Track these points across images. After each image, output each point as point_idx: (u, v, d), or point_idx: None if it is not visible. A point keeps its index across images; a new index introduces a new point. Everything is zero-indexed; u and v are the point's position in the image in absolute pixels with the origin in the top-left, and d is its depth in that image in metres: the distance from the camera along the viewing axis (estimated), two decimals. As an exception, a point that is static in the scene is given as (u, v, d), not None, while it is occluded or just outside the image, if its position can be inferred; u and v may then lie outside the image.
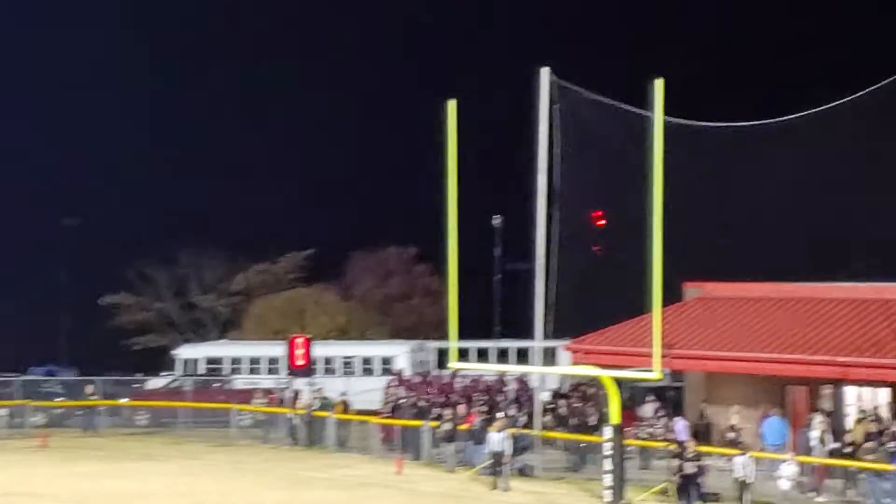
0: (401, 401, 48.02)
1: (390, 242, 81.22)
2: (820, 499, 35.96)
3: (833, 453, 38.22)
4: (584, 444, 41.73)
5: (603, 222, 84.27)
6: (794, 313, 43.81)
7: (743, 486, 33.32)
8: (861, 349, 39.86)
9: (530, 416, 44.13)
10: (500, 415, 42.19)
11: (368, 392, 52.25)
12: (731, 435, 40.71)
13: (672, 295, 46.54)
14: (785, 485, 33.79)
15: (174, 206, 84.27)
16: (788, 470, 34.02)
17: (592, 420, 43.38)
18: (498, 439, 38.26)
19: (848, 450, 37.46)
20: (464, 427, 41.95)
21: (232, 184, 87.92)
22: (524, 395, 49.41)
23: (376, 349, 63.41)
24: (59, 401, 56.98)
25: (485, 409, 44.65)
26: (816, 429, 38.79)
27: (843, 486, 36.60)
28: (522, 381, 52.29)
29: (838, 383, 41.33)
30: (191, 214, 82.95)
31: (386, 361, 61.15)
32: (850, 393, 41.97)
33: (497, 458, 38.00)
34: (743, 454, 33.61)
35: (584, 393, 49.03)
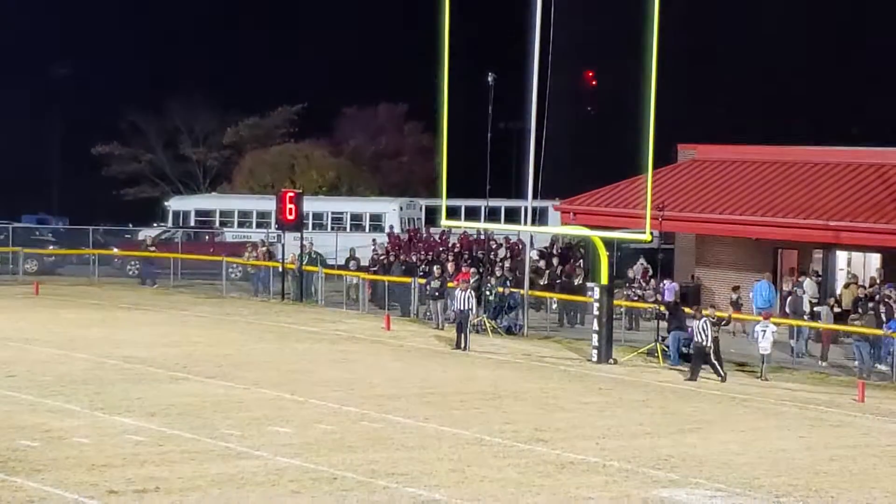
0: (384, 257, 48.04)
1: (382, 98, 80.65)
2: (823, 363, 36.16)
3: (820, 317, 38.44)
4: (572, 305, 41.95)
5: (595, 83, 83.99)
6: (788, 177, 43.66)
7: (700, 350, 33.08)
8: (854, 214, 39.81)
9: (518, 275, 44.14)
10: (466, 272, 42.08)
11: (358, 248, 52.11)
12: (734, 296, 40.86)
13: (665, 157, 46.40)
14: (765, 348, 33.82)
15: (166, 57, 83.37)
16: (767, 332, 34.01)
17: (578, 280, 43.44)
18: (462, 297, 37.87)
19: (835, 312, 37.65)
20: (452, 284, 41.95)
21: (224, 35, 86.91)
22: (513, 255, 49.42)
23: (366, 206, 63.32)
24: (52, 248, 57.12)
25: (473, 267, 44.63)
26: (808, 292, 38.91)
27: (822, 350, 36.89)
28: (511, 240, 52.27)
29: (829, 247, 41.36)
30: (183, 66, 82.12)
31: (375, 218, 61.05)
32: (841, 257, 42.05)
33: (462, 316, 37.65)
34: (699, 318, 33.34)
35: (572, 253, 49.09)
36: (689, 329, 35.97)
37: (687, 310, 35.94)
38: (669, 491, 20.74)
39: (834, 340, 38.37)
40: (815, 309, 38.59)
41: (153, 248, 53.95)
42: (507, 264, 45.30)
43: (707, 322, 33.05)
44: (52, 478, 20.20)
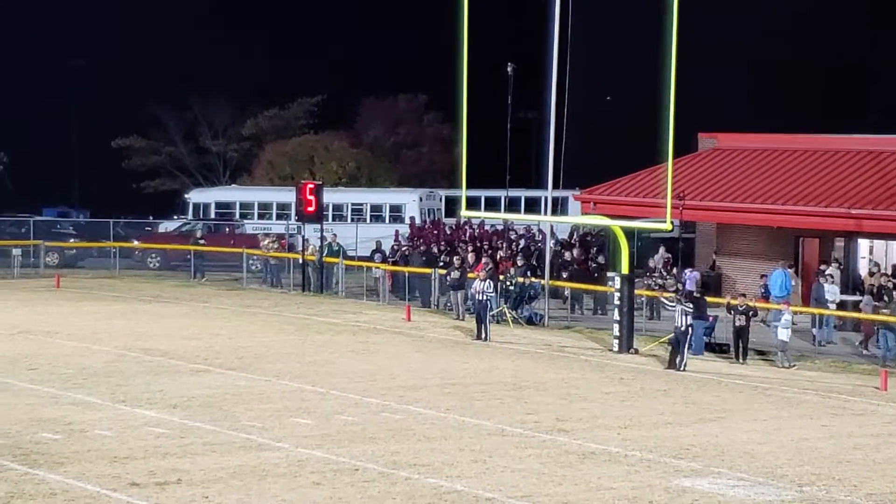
0: (405, 248, 48.01)
1: (401, 89, 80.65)
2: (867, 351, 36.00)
3: (843, 305, 38.40)
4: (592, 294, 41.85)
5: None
6: (808, 165, 43.55)
7: (682, 333, 32.92)
8: (876, 202, 39.67)
9: (538, 265, 44.10)
10: (484, 261, 42.00)
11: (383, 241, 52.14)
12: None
13: (686, 145, 46.32)
14: (783, 334, 33.74)
15: (186, 49, 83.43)
16: (785, 320, 33.91)
17: (597, 271, 43.37)
18: (481, 287, 37.73)
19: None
20: (473, 275, 41.88)
21: (243, 27, 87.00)
22: (532, 245, 49.36)
23: (386, 197, 63.30)
24: (73, 241, 57.33)
25: (491, 258, 44.56)
26: (832, 281, 38.75)
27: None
28: (531, 230, 52.19)
29: (851, 235, 41.21)
30: (202, 58, 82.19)
31: (395, 209, 61.04)
32: (863, 245, 41.90)
33: (480, 306, 37.54)
34: (677, 303, 33.18)
35: (591, 243, 49.02)
36: (711, 318, 35.97)
37: (711, 299, 35.89)
38: (691, 480, 20.69)
39: (856, 328, 38.42)
40: (848, 298, 38.64)
41: (203, 242, 53.73)
42: (500, 253, 44.99)
43: (684, 307, 32.91)
44: (75, 470, 20.24)
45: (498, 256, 44.53)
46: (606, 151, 70.11)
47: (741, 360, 34.04)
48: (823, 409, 27.67)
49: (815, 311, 37.43)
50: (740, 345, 34.50)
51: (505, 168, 43.45)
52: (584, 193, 49.01)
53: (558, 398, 27.89)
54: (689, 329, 32.80)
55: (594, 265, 44.28)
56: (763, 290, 40.19)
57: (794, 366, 33.49)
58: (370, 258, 49.00)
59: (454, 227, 54.48)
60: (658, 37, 34.01)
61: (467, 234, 51.95)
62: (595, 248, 47.82)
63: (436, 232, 53.06)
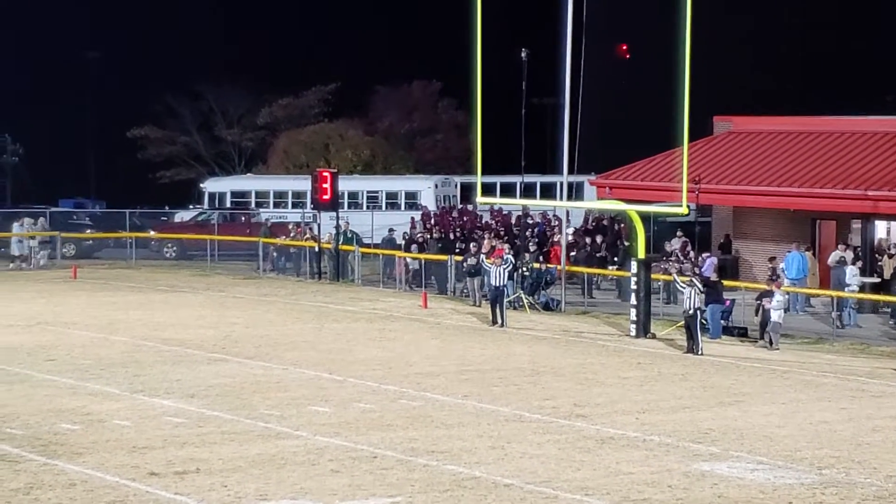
0: (419, 235, 47.90)
1: (415, 76, 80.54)
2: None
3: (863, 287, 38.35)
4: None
5: (629, 55, 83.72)
6: (824, 147, 43.42)
7: (691, 317, 32.74)
8: (892, 183, 39.55)
9: (551, 251, 44.01)
10: (501, 247, 41.82)
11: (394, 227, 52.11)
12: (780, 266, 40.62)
13: (701, 129, 46.19)
14: (775, 315, 33.60)
15: (199, 39, 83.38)
16: (777, 301, 33.75)
17: (614, 256, 43.29)
18: (496, 273, 37.72)
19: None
20: (490, 261, 41.77)
21: (257, 15, 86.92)
22: (548, 231, 49.26)
23: (401, 184, 63.27)
24: (89, 232, 57.44)
25: (509, 243, 44.45)
26: (850, 263, 38.64)
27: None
28: (547, 216, 52.08)
29: (868, 217, 41.08)
30: (216, 48, 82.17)
31: (411, 196, 61.00)
32: (880, 227, 41.78)
33: (497, 292, 37.37)
34: (690, 286, 33.04)
35: (607, 228, 48.89)
36: (728, 302, 35.85)
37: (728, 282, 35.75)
38: (710, 464, 20.66)
39: (874, 310, 38.30)
40: (867, 280, 38.60)
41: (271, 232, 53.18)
42: (489, 240, 44.77)
43: (694, 291, 32.76)
44: (93, 460, 20.28)
45: (492, 240, 44.27)
46: (621, 136, 70.02)
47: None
48: (842, 392, 27.59)
49: (834, 293, 37.29)
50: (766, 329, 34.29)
51: (520, 154, 43.32)
52: (599, 178, 48.94)
53: (576, 383, 27.87)
54: (698, 313, 32.66)
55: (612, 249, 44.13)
56: (770, 274, 39.98)
57: (778, 349, 33.27)
58: (406, 248, 47.61)
59: (465, 212, 54.38)
60: (673, 20, 33.90)
61: (482, 222, 51.80)
62: (613, 235, 47.73)
63: (452, 218, 52.95)
